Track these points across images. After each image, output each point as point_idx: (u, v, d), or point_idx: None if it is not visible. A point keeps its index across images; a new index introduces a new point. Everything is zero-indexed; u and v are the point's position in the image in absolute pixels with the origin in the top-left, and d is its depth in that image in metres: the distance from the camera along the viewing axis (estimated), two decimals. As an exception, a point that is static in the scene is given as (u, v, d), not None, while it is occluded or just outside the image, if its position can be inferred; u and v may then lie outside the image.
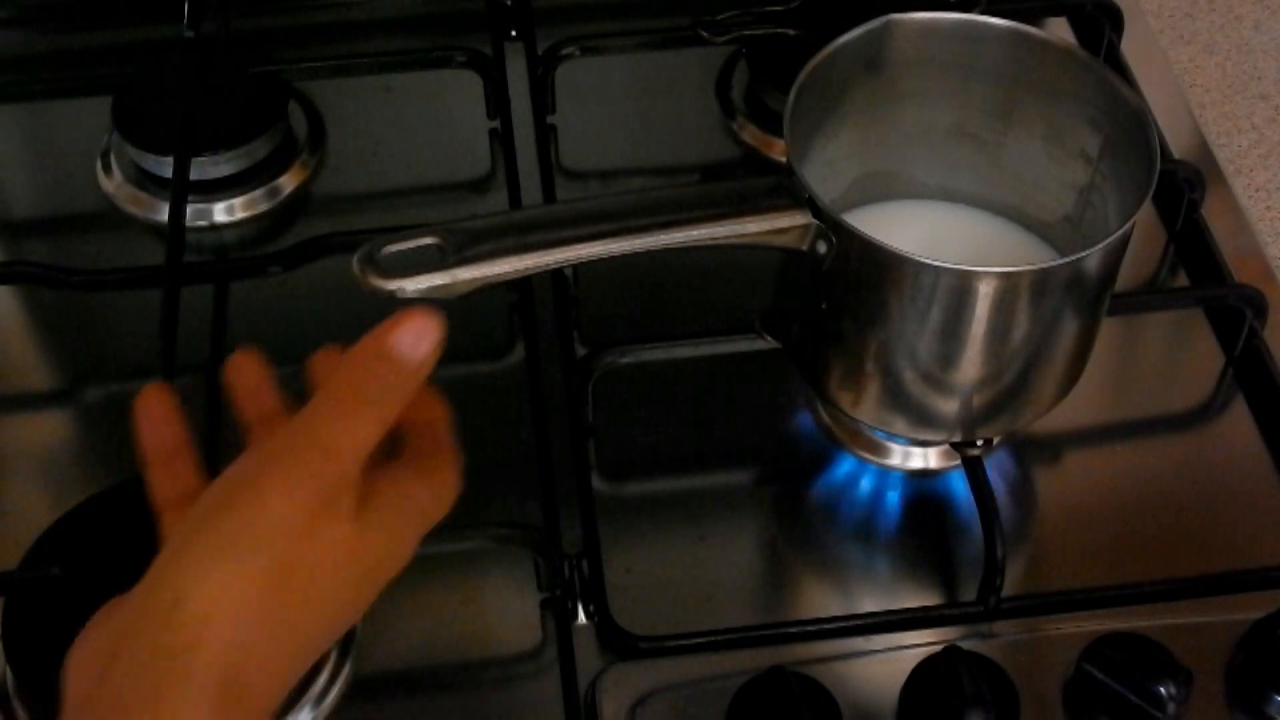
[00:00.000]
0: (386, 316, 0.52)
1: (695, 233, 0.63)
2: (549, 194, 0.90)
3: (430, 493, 0.53)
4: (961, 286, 0.64)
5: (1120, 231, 0.64)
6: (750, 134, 0.95)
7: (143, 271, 0.84)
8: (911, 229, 0.76)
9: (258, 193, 0.90)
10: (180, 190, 0.86)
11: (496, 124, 0.94)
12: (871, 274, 0.65)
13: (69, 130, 0.95)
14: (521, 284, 0.83)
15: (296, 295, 0.84)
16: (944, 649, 0.66)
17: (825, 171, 0.72)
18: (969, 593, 0.72)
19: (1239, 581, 0.72)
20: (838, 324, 0.69)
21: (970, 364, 0.67)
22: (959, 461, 0.74)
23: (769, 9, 0.93)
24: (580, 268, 0.83)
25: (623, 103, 0.97)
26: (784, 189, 0.65)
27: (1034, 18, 0.98)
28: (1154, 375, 0.84)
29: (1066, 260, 0.64)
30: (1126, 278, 0.84)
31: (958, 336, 0.66)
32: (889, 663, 0.67)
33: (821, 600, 0.74)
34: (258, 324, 0.84)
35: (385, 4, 1.02)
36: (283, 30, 1.01)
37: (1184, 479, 0.78)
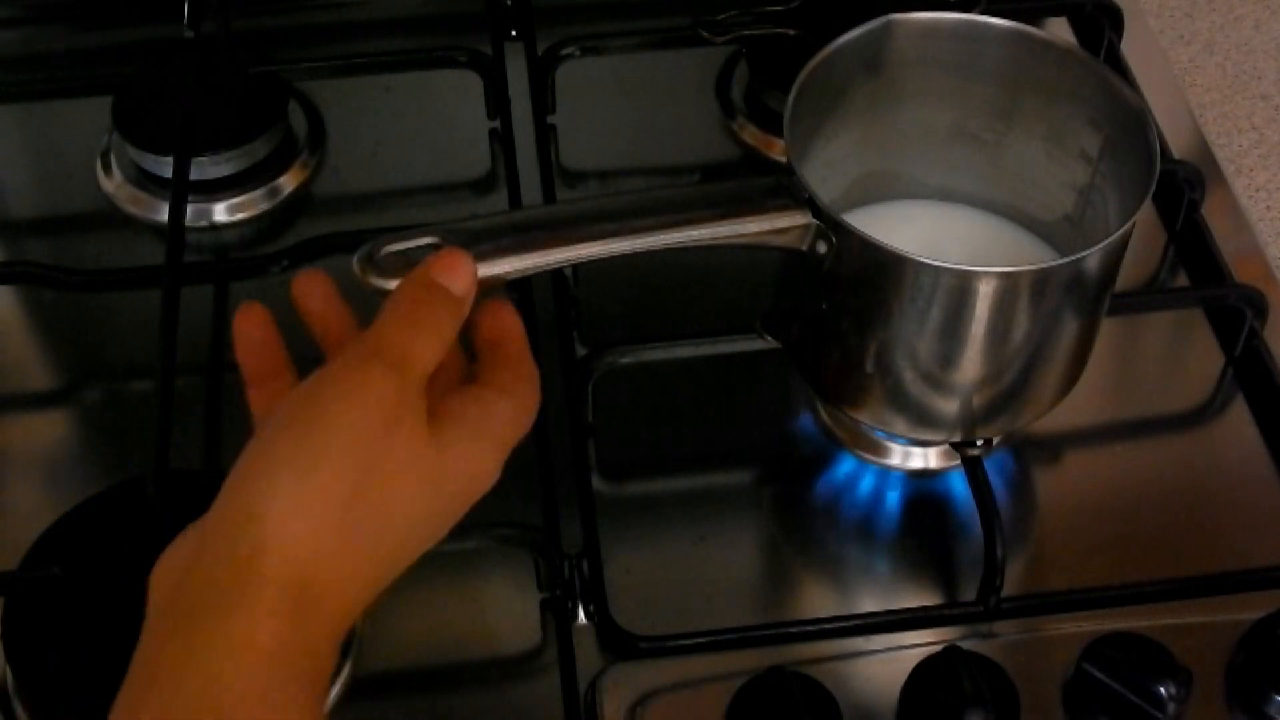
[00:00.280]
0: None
1: (695, 233, 0.63)
2: (549, 194, 0.90)
3: (508, 411, 0.53)
4: (961, 286, 0.64)
5: (1120, 231, 0.64)
6: (750, 134, 0.95)
7: (143, 271, 0.84)
8: (912, 229, 0.76)
9: (258, 193, 0.90)
10: (180, 190, 0.86)
11: (496, 124, 0.94)
12: (871, 274, 0.65)
13: (69, 130, 0.95)
14: (521, 284, 0.83)
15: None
16: (944, 649, 0.66)
17: (825, 171, 0.72)
18: (969, 593, 0.72)
19: (1239, 581, 0.72)
20: (838, 324, 0.69)
21: (970, 364, 0.67)
22: (959, 461, 0.74)
23: (769, 9, 0.93)
24: (580, 268, 0.83)
25: (623, 103, 0.97)
26: (784, 189, 0.65)
27: (1034, 18, 0.98)
28: (1154, 375, 0.84)
29: (1066, 260, 0.64)
30: (1126, 278, 0.84)
31: (958, 336, 0.66)
32: (889, 663, 0.67)
33: (821, 600, 0.74)
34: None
35: (385, 4, 1.02)
36: (283, 30, 1.01)
37: (1184, 479, 0.78)
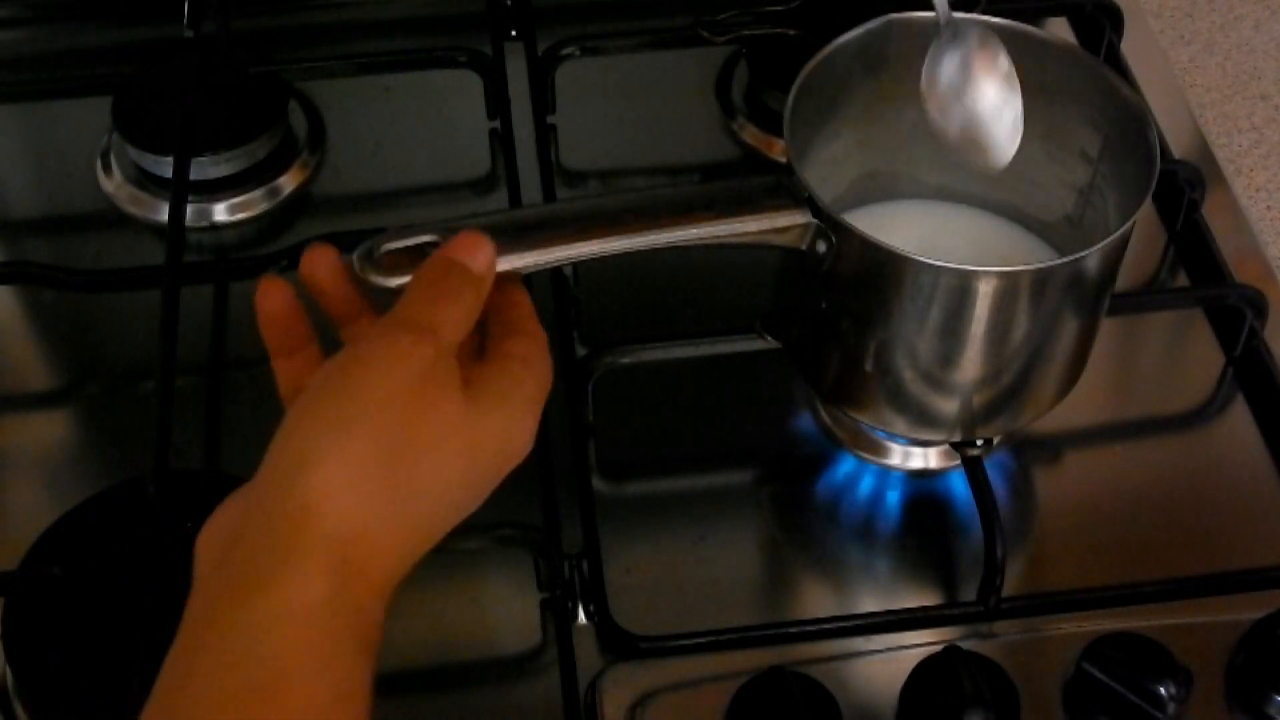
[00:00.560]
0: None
1: (695, 231, 0.63)
2: (549, 194, 0.90)
3: (532, 376, 0.55)
4: (961, 286, 0.64)
5: (1120, 231, 0.64)
6: (750, 134, 0.95)
7: (143, 271, 0.84)
8: (912, 229, 0.76)
9: (258, 193, 0.90)
10: (180, 190, 0.86)
11: (496, 124, 0.94)
12: (871, 274, 0.65)
13: (69, 130, 0.95)
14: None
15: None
16: (944, 649, 0.66)
17: (825, 171, 0.72)
18: (969, 593, 0.72)
19: (1239, 581, 0.72)
20: (838, 324, 0.69)
21: (970, 364, 0.67)
22: (959, 461, 0.74)
23: (769, 9, 0.93)
24: (580, 267, 0.83)
25: (623, 103, 0.97)
26: (784, 188, 0.65)
27: (1034, 18, 0.98)
28: (1154, 375, 0.84)
29: (1066, 260, 0.64)
30: (1126, 278, 0.84)
31: (958, 336, 0.66)
32: (889, 663, 0.67)
33: (821, 600, 0.74)
34: (258, 324, 0.84)
35: (385, 4, 1.02)
36: (283, 30, 1.01)
37: (1184, 479, 0.78)
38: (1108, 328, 0.73)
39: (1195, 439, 0.81)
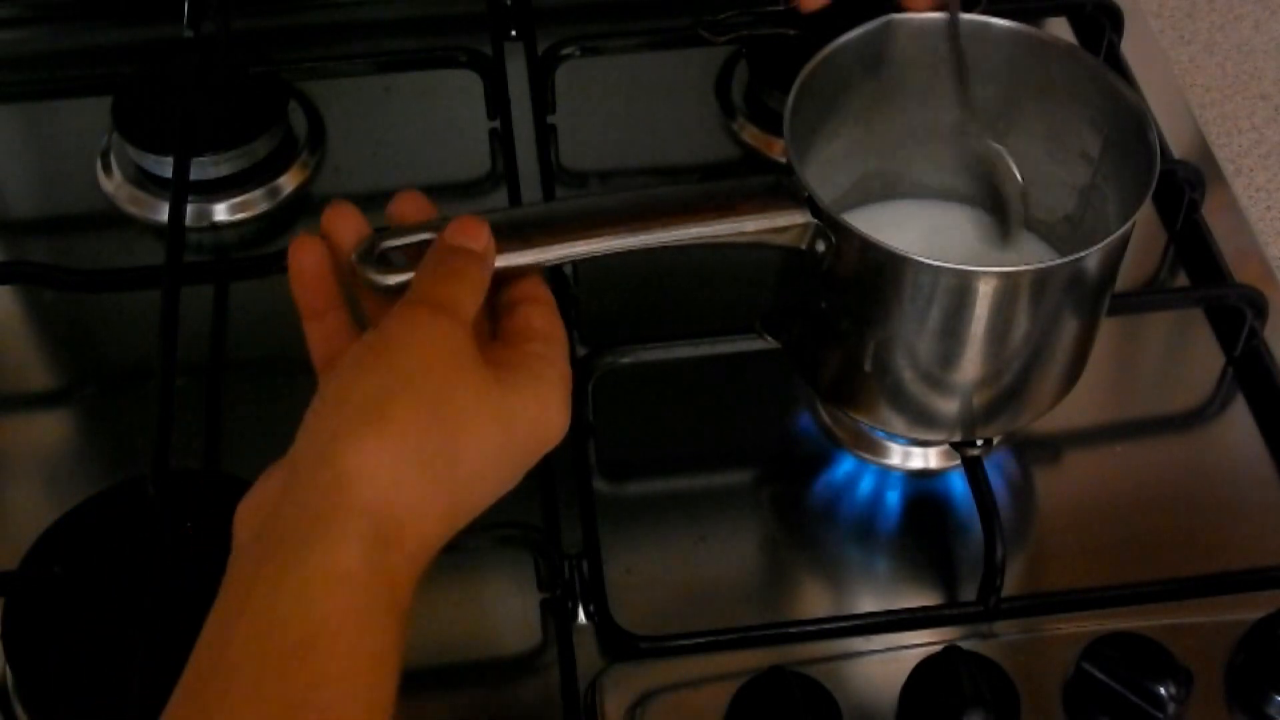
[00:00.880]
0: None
1: (694, 231, 0.63)
2: (549, 194, 0.90)
3: (556, 352, 0.56)
4: (961, 286, 0.64)
5: (1120, 231, 0.64)
6: (750, 134, 0.95)
7: (143, 271, 0.84)
8: (912, 229, 0.76)
9: (258, 193, 0.90)
10: (180, 190, 0.86)
11: (496, 124, 0.94)
12: (871, 274, 0.65)
13: (69, 130, 0.95)
14: (522, 284, 0.83)
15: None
16: (944, 649, 0.66)
17: (826, 171, 0.72)
18: (969, 593, 0.72)
19: (1239, 581, 0.72)
20: (837, 324, 0.69)
21: (970, 364, 0.67)
22: (959, 461, 0.74)
23: (769, 9, 0.93)
24: (580, 267, 0.84)
25: (623, 103, 0.97)
26: (783, 187, 0.65)
27: (1034, 18, 0.98)
28: (1154, 375, 0.84)
29: (1066, 260, 0.64)
30: (1126, 278, 0.84)
31: (957, 336, 0.66)
32: (889, 663, 0.67)
33: (821, 600, 0.74)
34: (258, 324, 0.84)
35: (385, 4, 1.02)
36: (283, 30, 1.01)
37: (1184, 479, 0.78)
38: (1108, 328, 0.73)
39: (1195, 439, 0.81)
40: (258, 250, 0.88)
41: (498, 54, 0.97)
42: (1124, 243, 0.66)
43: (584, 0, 1.03)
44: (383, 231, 0.58)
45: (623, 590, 0.72)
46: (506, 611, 0.72)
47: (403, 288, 0.56)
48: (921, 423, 0.71)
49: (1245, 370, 0.82)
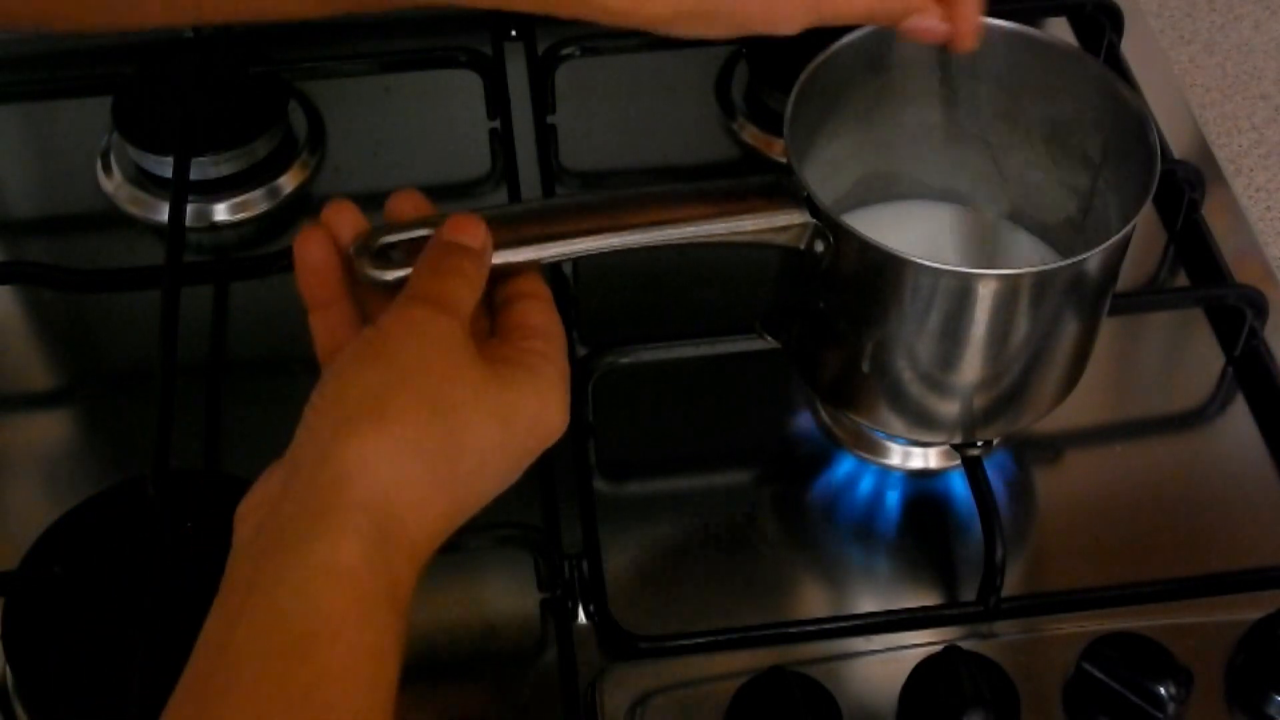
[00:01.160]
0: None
1: (692, 229, 0.63)
2: (549, 194, 0.90)
3: (554, 348, 0.56)
4: (961, 289, 0.64)
5: (1121, 234, 0.64)
6: (750, 134, 0.95)
7: (143, 271, 0.84)
8: (913, 230, 0.76)
9: (258, 193, 0.90)
10: (180, 190, 0.86)
11: (496, 124, 0.94)
12: (870, 275, 0.65)
13: (69, 130, 0.95)
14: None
15: (296, 295, 0.84)
16: (944, 649, 0.66)
17: (827, 172, 0.72)
18: (969, 593, 0.72)
19: (1239, 581, 0.72)
20: (836, 324, 0.69)
21: (970, 366, 0.67)
22: (959, 461, 0.74)
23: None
24: (579, 267, 0.83)
25: (623, 103, 0.97)
26: (782, 187, 0.65)
27: (1034, 18, 0.98)
28: (1154, 375, 0.84)
29: (1066, 263, 0.64)
30: (1127, 278, 0.84)
31: (957, 339, 0.66)
32: (889, 663, 0.67)
33: (821, 600, 0.74)
34: (258, 324, 0.84)
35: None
36: (283, 30, 1.00)
37: (1184, 479, 0.78)
38: (1108, 328, 0.73)
39: (1195, 439, 0.81)
40: (258, 250, 0.88)
41: (498, 54, 0.97)
42: (1124, 245, 0.66)
43: (584, 0, 1.02)
44: (381, 227, 0.59)
45: (623, 590, 0.72)
46: (506, 611, 0.72)
47: (400, 283, 0.56)
48: (921, 424, 0.71)
49: (1245, 370, 0.82)
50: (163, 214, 0.87)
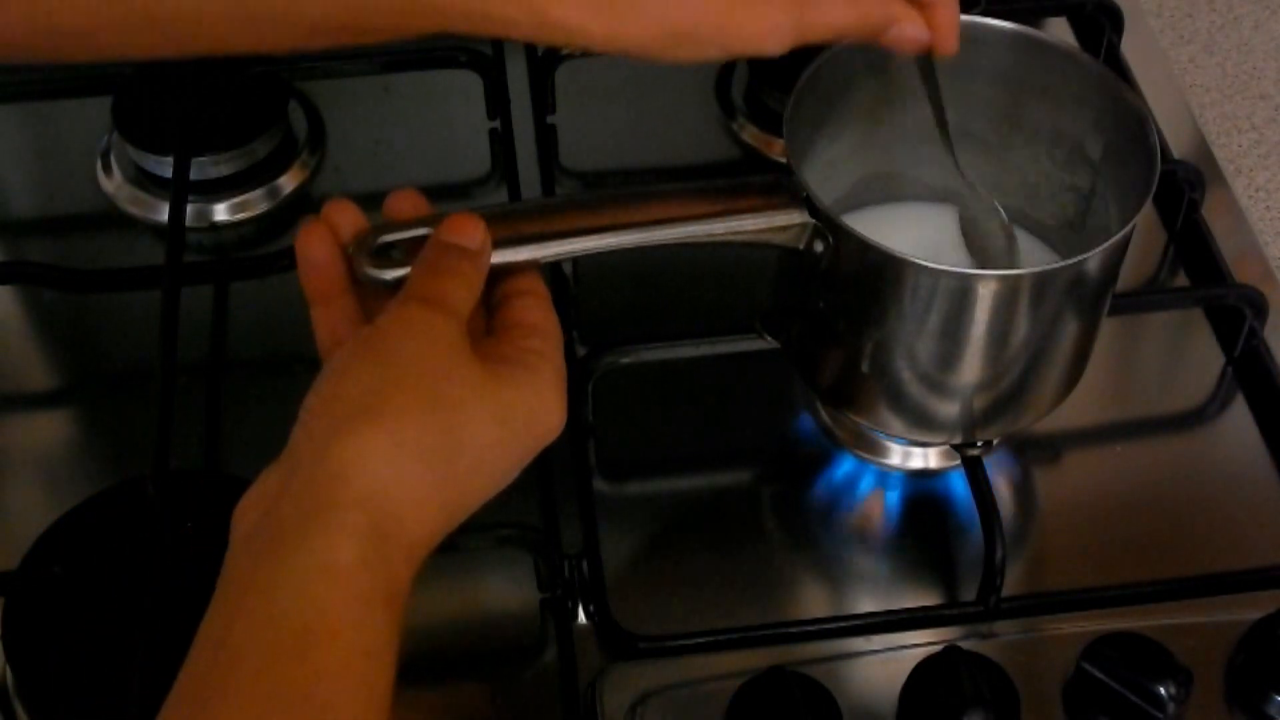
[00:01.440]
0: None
1: (691, 229, 0.63)
2: (548, 194, 0.90)
3: (550, 345, 0.57)
4: (961, 289, 0.64)
5: (1120, 235, 0.64)
6: (750, 134, 0.95)
7: (143, 271, 0.84)
8: (913, 231, 0.76)
9: (258, 193, 0.90)
10: (180, 190, 0.86)
11: (496, 124, 0.94)
12: (869, 275, 0.65)
13: (69, 130, 0.95)
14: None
15: (296, 295, 0.84)
16: (944, 649, 0.66)
17: (827, 172, 0.72)
18: (969, 593, 0.72)
19: (1239, 581, 0.72)
20: (835, 325, 0.69)
21: (970, 367, 0.67)
22: (959, 461, 0.74)
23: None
24: (579, 267, 0.83)
25: (623, 103, 0.97)
26: (782, 187, 0.65)
27: (1034, 18, 0.98)
28: (1154, 375, 0.84)
29: (1066, 263, 0.64)
30: (1126, 278, 0.84)
31: (957, 339, 0.66)
32: (889, 663, 0.67)
33: (821, 600, 0.74)
34: (258, 324, 0.84)
35: (385, 4, 1.02)
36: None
37: (1184, 479, 0.78)
38: (1108, 328, 0.73)
39: (1195, 439, 0.81)
40: (258, 250, 0.88)
41: (498, 54, 0.97)
42: (1124, 245, 0.66)
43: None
44: (380, 226, 0.59)
45: (623, 590, 0.72)
46: (506, 611, 0.72)
47: (400, 282, 0.56)
48: (921, 425, 0.71)
49: (1245, 370, 0.82)
50: (163, 214, 0.87)
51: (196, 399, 0.80)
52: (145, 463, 0.72)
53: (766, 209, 0.64)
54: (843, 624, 0.71)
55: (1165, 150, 0.91)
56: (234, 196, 0.90)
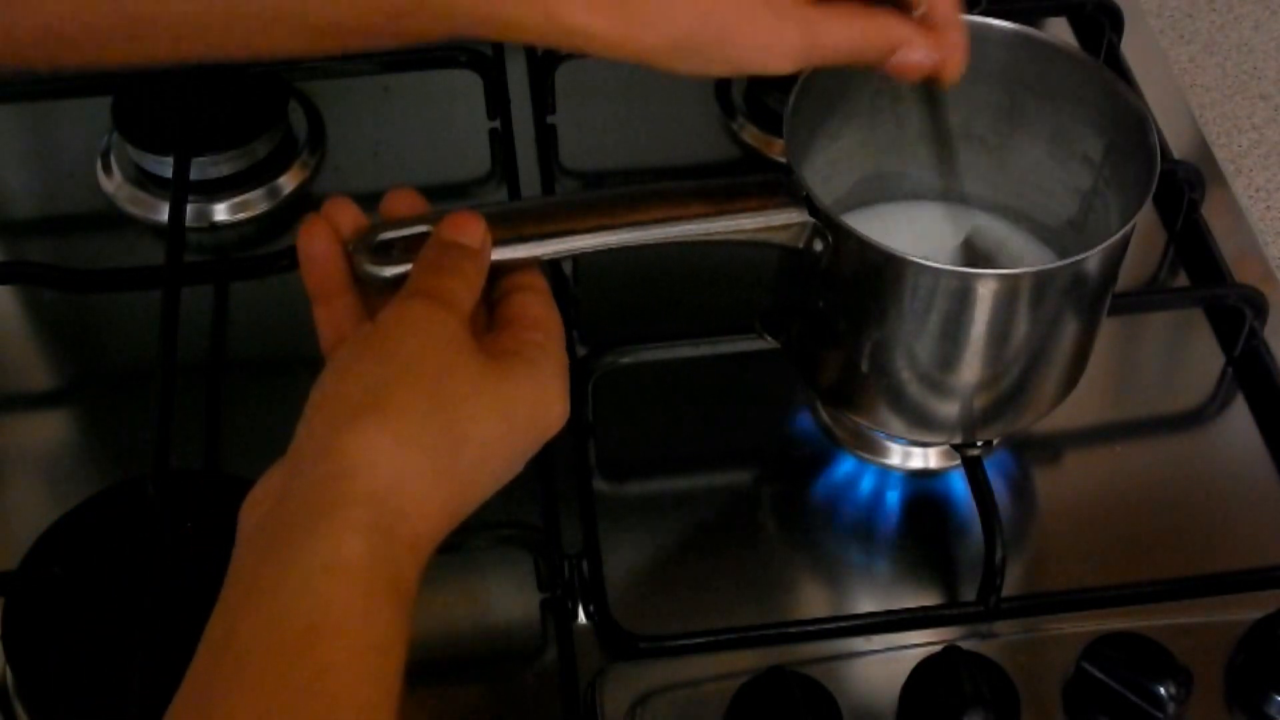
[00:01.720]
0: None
1: (691, 227, 0.63)
2: (549, 194, 0.90)
3: (552, 339, 0.57)
4: (961, 289, 0.64)
5: (1119, 234, 0.64)
6: (750, 134, 0.95)
7: (143, 271, 0.84)
8: (913, 231, 0.76)
9: (258, 193, 0.90)
10: (180, 190, 0.86)
11: (496, 124, 0.94)
12: (869, 275, 0.65)
13: (69, 130, 0.95)
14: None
15: (296, 295, 0.84)
16: (944, 649, 0.66)
17: (828, 172, 0.72)
18: (969, 593, 0.72)
19: (1239, 581, 0.72)
20: (835, 324, 0.69)
21: (970, 367, 0.67)
22: (959, 461, 0.74)
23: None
24: (580, 267, 0.83)
25: (623, 103, 0.97)
26: (781, 186, 0.65)
27: (1034, 18, 0.98)
28: (1154, 375, 0.84)
29: (1066, 262, 0.64)
30: (1126, 278, 0.84)
31: (957, 339, 0.66)
32: (889, 663, 0.67)
33: (821, 600, 0.74)
34: (258, 324, 0.84)
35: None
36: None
37: (1184, 479, 0.78)
38: (1108, 328, 0.73)
39: (1195, 439, 0.81)
40: (258, 250, 0.88)
41: (498, 54, 0.97)
42: (1124, 245, 0.66)
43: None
44: (379, 224, 0.59)
45: (623, 590, 0.72)
46: (506, 611, 0.72)
47: (399, 280, 0.56)
48: (921, 424, 0.71)
49: (1245, 370, 0.82)
50: (163, 214, 0.87)
51: (196, 399, 0.80)
52: (145, 463, 0.72)
53: (766, 208, 0.64)
54: (843, 624, 0.71)
55: (1165, 150, 0.91)
56: (234, 196, 0.90)
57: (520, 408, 0.54)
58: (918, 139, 0.75)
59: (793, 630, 0.71)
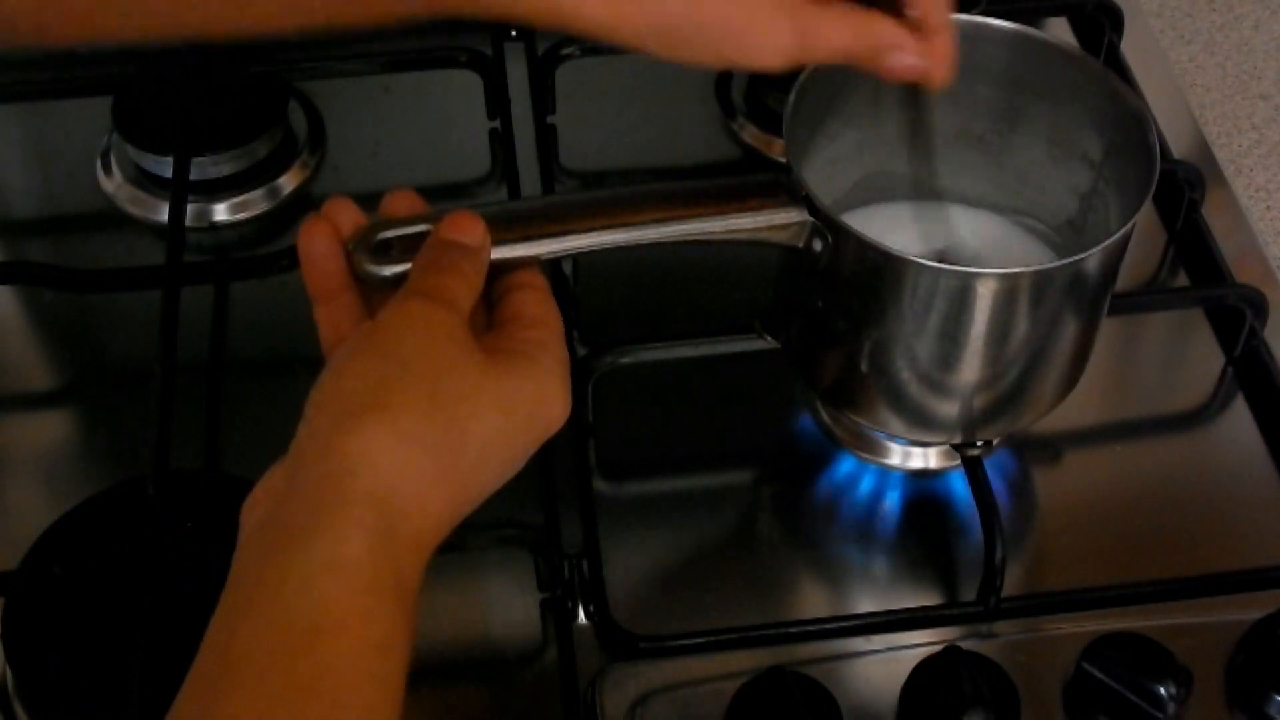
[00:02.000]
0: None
1: (690, 226, 0.63)
2: (549, 194, 0.90)
3: (552, 336, 0.57)
4: (961, 288, 0.64)
5: (1119, 234, 0.64)
6: (750, 134, 0.95)
7: (143, 271, 0.84)
8: (913, 230, 0.76)
9: (258, 193, 0.90)
10: (180, 190, 0.86)
11: (496, 124, 0.94)
12: (869, 274, 0.65)
13: (69, 130, 0.95)
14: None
15: (296, 295, 0.84)
16: (944, 649, 0.66)
17: (828, 171, 0.72)
18: (969, 593, 0.72)
19: (1239, 581, 0.72)
20: (835, 324, 0.69)
21: (970, 366, 0.67)
22: (959, 461, 0.74)
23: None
24: (579, 267, 0.83)
25: (623, 103, 0.97)
26: (781, 185, 0.65)
27: (1034, 18, 0.98)
28: (1154, 375, 0.84)
29: (1066, 262, 0.64)
30: (1126, 278, 0.84)
31: (956, 339, 0.66)
32: (889, 663, 0.67)
33: (821, 600, 0.74)
34: (258, 324, 0.84)
35: (385, 4, 1.02)
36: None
37: (1184, 479, 0.78)
38: (1108, 328, 0.73)
39: (1195, 439, 0.81)
40: (258, 250, 0.88)
41: (498, 54, 0.97)
42: (1124, 245, 0.66)
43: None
44: (379, 223, 0.59)
45: (623, 590, 0.72)
46: (506, 611, 0.72)
47: (399, 279, 0.56)
48: (920, 424, 0.71)
49: (1245, 370, 0.82)
50: (163, 214, 0.87)
51: (196, 399, 0.80)
52: (145, 463, 0.72)
53: (766, 208, 0.64)
54: (843, 624, 0.71)
55: (1165, 150, 0.91)
56: (234, 196, 0.90)
57: (521, 405, 0.54)
58: (917, 139, 0.75)
59: (793, 630, 0.71)
